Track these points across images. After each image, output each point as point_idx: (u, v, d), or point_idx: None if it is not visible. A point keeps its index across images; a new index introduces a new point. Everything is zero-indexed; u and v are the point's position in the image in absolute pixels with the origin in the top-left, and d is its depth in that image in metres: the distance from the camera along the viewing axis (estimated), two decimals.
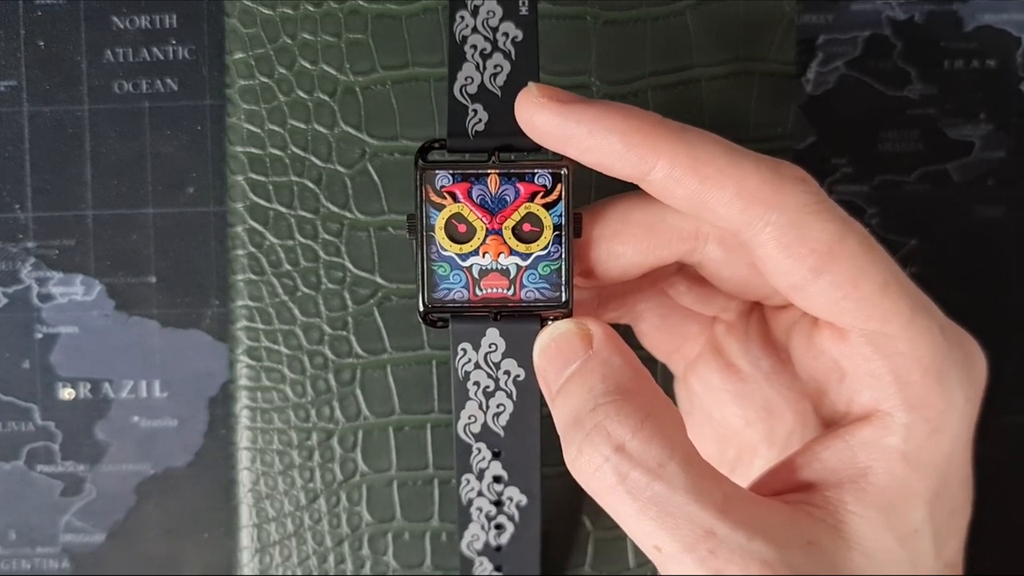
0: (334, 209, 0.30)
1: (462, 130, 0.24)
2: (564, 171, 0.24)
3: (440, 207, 0.24)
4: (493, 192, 0.24)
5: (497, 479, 0.26)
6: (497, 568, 0.28)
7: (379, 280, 0.30)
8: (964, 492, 0.23)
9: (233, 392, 0.31)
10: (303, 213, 0.30)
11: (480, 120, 0.24)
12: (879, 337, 0.22)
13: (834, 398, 0.23)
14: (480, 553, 0.28)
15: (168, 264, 0.33)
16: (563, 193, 0.24)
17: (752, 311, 0.27)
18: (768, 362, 0.27)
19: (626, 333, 0.29)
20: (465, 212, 0.24)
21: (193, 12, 0.33)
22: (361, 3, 0.30)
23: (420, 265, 0.24)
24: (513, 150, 0.24)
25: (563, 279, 0.24)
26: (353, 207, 0.30)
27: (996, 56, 0.33)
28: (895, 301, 0.22)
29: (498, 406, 0.25)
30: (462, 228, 0.24)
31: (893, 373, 0.22)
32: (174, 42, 0.34)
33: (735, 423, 0.27)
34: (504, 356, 0.25)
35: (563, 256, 0.24)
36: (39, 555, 0.34)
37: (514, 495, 0.27)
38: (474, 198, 0.24)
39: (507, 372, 0.25)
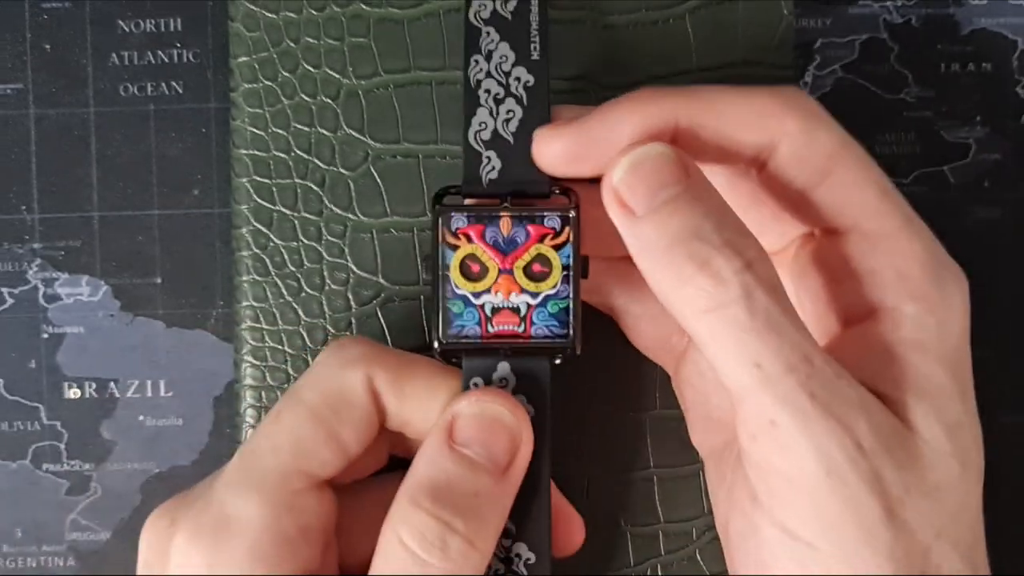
0: (337, 211, 0.31)
1: (476, 177, 0.26)
2: (572, 214, 0.25)
3: (455, 247, 0.25)
4: (505, 234, 0.25)
5: (505, 533, 0.25)
6: None
7: (382, 281, 0.31)
8: (972, 395, 0.24)
9: (238, 392, 0.31)
10: (307, 215, 0.31)
11: (493, 168, 0.26)
12: (879, 237, 0.23)
13: (833, 310, 0.24)
14: None
15: (173, 265, 0.34)
16: (571, 236, 0.25)
17: None
18: None
19: (612, 334, 0.29)
20: (479, 252, 0.25)
21: (197, 16, 0.34)
22: (363, 7, 0.30)
23: (437, 303, 0.25)
24: (524, 196, 0.25)
25: (571, 317, 0.25)
26: (356, 209, 0.30)
27: (992, 59, 0.34)
28: (894, 205, 0.23)
29: None
30: (475, 268, 0.25)
31: (893, 268, 0.23)
32: (179, 45, 0.34)
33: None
34: (515, 391, 0.26)
35: (571, 295, 0.25)
36: (45, 553, 0.34)
37: (522, 552, 0.26)
38: (487, 239, 0.25)
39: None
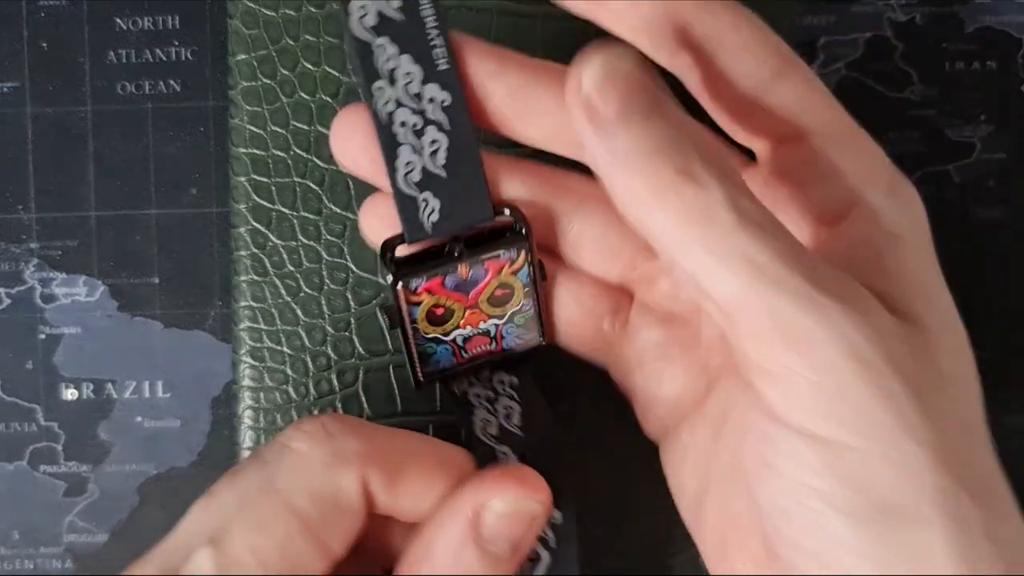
0: (337, 210, 0.30)
1: (418, 224, 0.23)
2: (524, 244, 0.24)
3: (418, 303, 0.24)
4: (465, 277, 0.24)
5: None
6: None
7: (382, 281, 0.30)
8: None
9: (236, 392, 0.31)
10: (306, 214, 0.30)
11: (433, 210, 0.23)
12: (842, 135, 0.22)
13: (806, 217, 0.23)
14: None
15: (171, 265, 0.34)
16: (527, 258, 0.24)
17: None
18: None
19: None
20: (442, 300, 0.24)
21: (195, 13, 0.34)
22: None
23: (407, 350, 0.25)
24: (471, 227, 0.24)
25: (538, 322, 0.25)
26: (355, 208, 0.30)
27: (996, 57, 0.33)
28: (843, 109, 0.23)
29: (506, 407, 0.25)
30: (440, 311, 0.24)
31: (863, 165, 0.22)
32: (177, 43, 0.34)
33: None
34: (494, 370, 0.26)
35: (534, 307, 0.25)
36: (42, 555, 0.34)
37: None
38: (448, 287, 0.24)
39: (501, 381, 0.26)
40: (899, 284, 0.21)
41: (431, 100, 0.23)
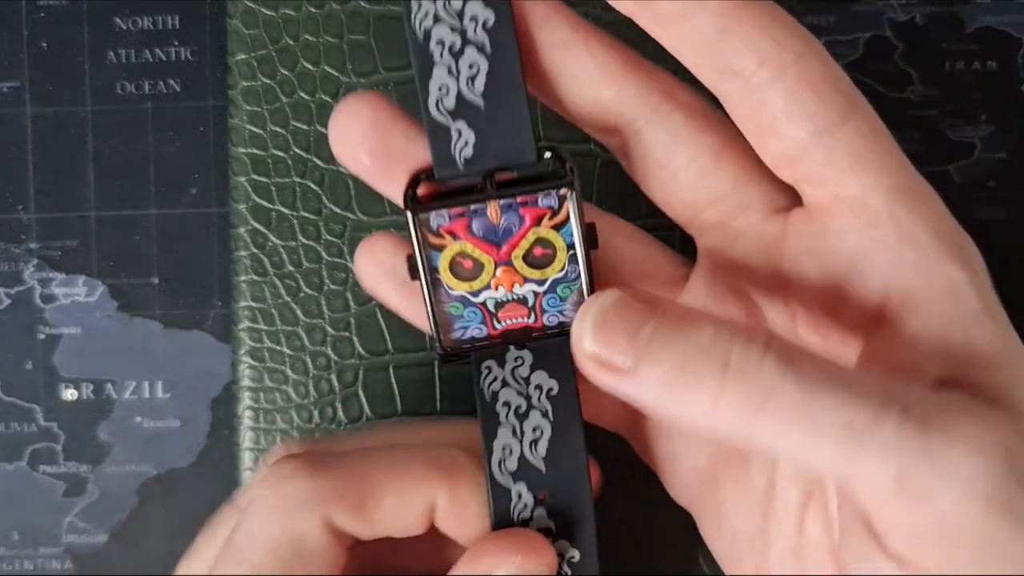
0: (336, 210, 0.30)
1: (449, 158, 0.21)
2: (566, 190, 0.21)
3: (440, 248, 0.21)
4: (495, 223, 0.21)
5: (544, 531, 0.22)
6: None
7: None
8: None
9: (236, 393, 0.31)
10: (306, 214, 0.30)
11: (467, 143, 0.21)
12: (905, 191, 0.20)
13: (864, 296, 0.21)
14: None
15: (171, 265, 0.34)
16: (572, 212, 0.21)
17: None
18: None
19: None
20: (468, 249, 0.21)
21: (195, 13, 0.34)
22: (363, 4, 0.30)
23: (429, 308, 0.22)
24: (509, 169, 0.21)
25: (585, 298, 0.21)
26: (355, 208, 0.30)
27: (997, 58, 0.33)
28: (903, 155, 0.20)
29: (534, 430, 0.22)
30: (468, 264, 0.21)
31: (931, 228, 0.20)
32: (176, 43, 0.34)
33: None
34: (532, 369, 0.22)
35: (581, 274, 0.21)
36: (42, 556, 0.34)
37: (565, 550, 0.22)
38: (476, 232, 0.21)
39: (538, 386, 0.22)
40: (996, 371, 0.19)
41: (472, 18, 0.20)
